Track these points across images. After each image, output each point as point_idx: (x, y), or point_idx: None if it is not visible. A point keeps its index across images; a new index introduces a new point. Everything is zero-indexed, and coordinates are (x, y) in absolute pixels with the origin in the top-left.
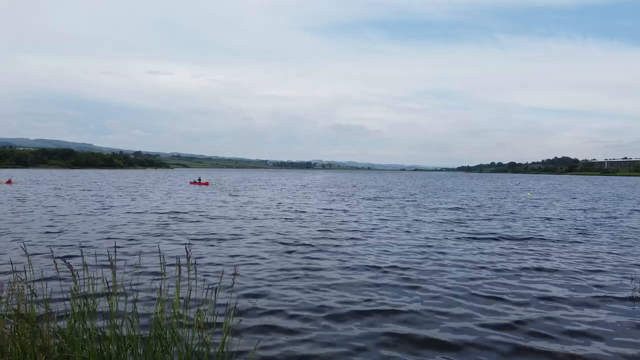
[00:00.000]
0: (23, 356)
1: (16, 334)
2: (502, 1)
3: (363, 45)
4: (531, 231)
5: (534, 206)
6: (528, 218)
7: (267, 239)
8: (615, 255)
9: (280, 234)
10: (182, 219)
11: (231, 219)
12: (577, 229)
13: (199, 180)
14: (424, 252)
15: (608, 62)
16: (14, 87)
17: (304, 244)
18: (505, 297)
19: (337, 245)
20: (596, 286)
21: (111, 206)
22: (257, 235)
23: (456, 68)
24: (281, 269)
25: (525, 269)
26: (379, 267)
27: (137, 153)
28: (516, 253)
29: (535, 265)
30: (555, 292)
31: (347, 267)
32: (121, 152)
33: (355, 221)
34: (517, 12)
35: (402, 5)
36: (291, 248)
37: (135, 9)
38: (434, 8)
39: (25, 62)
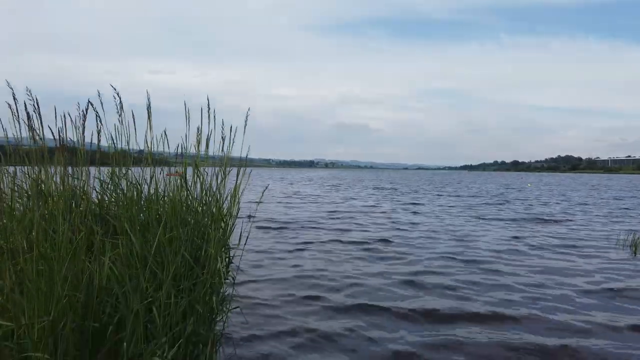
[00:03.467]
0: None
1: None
2: (504, 0)
3: (365, 44)
4: (531, 212)
5: (537, 195)
6: (530, 204)
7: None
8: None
9: (280, 215)
10: None
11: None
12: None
13: (176, 171)
14: (419, 234)
15: (611, 61)
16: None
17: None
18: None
19: (337, 220)
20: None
21: None
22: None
23: (458, 67)
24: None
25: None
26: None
27: (140, 152)
28: (517, 234)
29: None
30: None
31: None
32: None
33: (362, 205)
34: (520, 11)
35: (405, 4)
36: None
37: (135, 9)
38: (436, 7)
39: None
